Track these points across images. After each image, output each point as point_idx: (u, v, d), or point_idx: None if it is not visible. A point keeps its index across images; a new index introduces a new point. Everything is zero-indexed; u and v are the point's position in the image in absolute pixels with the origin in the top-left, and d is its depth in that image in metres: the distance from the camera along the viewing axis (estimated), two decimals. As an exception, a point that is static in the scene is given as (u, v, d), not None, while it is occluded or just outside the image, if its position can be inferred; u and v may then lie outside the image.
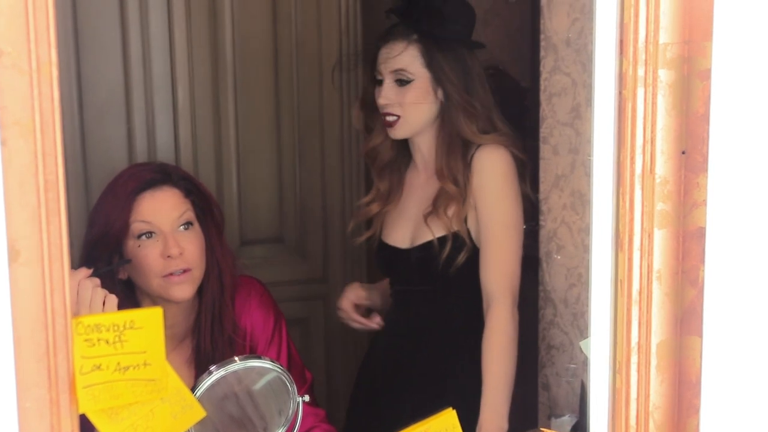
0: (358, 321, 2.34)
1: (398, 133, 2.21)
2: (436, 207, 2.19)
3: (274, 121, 2.98)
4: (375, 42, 2.25)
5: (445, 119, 2.21)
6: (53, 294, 1.14)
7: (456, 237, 2.16)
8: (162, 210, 1.86)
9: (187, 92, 2.88)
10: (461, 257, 2.16)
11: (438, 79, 2.18)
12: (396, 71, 2.17)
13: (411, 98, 2.17)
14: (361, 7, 3.01)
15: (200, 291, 1.92)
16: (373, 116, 2.27)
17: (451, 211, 2.17)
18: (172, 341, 1.90)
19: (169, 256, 1.84)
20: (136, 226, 1.85)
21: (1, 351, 1.12)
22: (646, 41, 1.31)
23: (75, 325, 1.18)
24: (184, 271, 1.85)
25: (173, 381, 1.28)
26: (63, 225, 1.15)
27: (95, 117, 2.84)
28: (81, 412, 1.20)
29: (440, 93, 2.19)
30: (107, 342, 1.20)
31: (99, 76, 2.82)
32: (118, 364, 1.21)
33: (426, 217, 2.19)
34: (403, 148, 2.30)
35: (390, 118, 2.19)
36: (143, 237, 1.85)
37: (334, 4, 2.98)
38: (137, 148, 2.87)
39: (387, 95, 2.18)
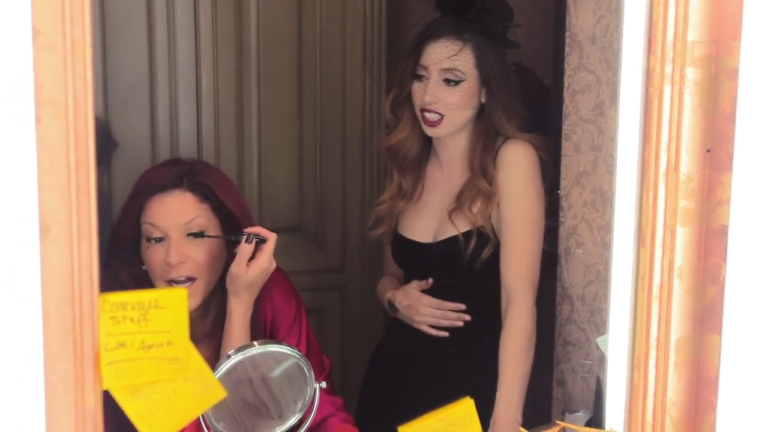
0: (452, 309, 2.21)
1: (440, 131, 2.18)
2: (460, 203, 2.18)
3: (297, 112, 2.99)
4: (420, 36, 2.19)
5: (485, 117, 2.18)
6: (81, 270, 1.16)
7: (480, 232, 2.16)
8: (170, 215, 1.85)
9: (210, 82, 2.89)
10: (486, 252, 2.15)
11: (486, 79, 2.16)
12: (447, 70, 2.13)
13: (458, 99, 2.14)
14: (386, 0, 3.02)
15: (220, 293, 1.91)
16: (401, 110, 2.24)
17: (477, 207, 2.16)
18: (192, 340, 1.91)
19: (168, 264, 1.84)
20: (146, 228, 1.86)
21: (31, 326, 1.14)
22: (675, 39, 1.31)
23: (101, 302, 1.19)
24: (189, 279, 1.85)
25: (196, 361, 1.30)
26: (92, 203, 1.17)
27: (119, 104, 2.86)
28: (105, 388, 1.22)
29: (484, 92, 2.17)
30: (132, 320, 1.21)
31: (124, 64, 2.84)
32: (143, 342, 1.22)
33: (451, 213, 2.18)
34: (427, 143, 2.29)
35: (432, 116, 2.15)
36: (153, 240, 1.86)
37: (359, -3, 3.00)
38: (160, 136, 2.89)
39: (435, 94, 2.13)
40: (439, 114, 2.14)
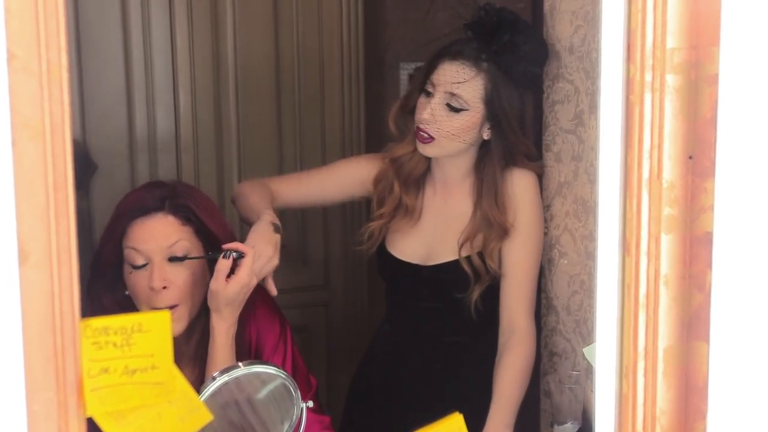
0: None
1: (429, 151, 2.11)
2: (470, 235, 2.11)
3: (276, 125, 2.99)
4: (440, 51, 2.12)
5: (491, 153, 2.12)
6: (61, 296, 1.14)
7: (479, 262, 2.12)
8: (152, 239, 1.83)
9: (188, 97, 2.88)
10: (484, 282, 2.12)
11: (492, 115, 2.08)
12: (452, 95, 2.05)
13: (455, 128, 2.06)
14: (362, 12, 3.02)
15: (204, 315, 1.89)
16: (408, 122, 2.17)
17: (489, 241, 2.09)
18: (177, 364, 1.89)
19: (151, 288, 1.82)
20: (128, 253, 1.84)
21: (11, 354, 1.12)
22: (654, 46, 1.31)
23: (83, 328, 1.17)
24: (171, 306, 1.82)
25: (180, 384, 1.28)
26: (72, 227, 1.15)
27: (97, 123, 2.84)
28: (88, 415, 1.20)
29: (487, 128, 2.10)
30: (115, 345, 1.20)
31: (101, 82, 2.83)
32: (126, 367, 1.21)
33: (461, 246, 2.12)
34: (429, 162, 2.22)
35: (425, 135, 2.08)
36: (136, 265, 1.84)
37: (336, 10, 3.00)
38: (138, 155, 2.88)
39: (434, 113, 2.06)
40: (431, 136, 2.08)
